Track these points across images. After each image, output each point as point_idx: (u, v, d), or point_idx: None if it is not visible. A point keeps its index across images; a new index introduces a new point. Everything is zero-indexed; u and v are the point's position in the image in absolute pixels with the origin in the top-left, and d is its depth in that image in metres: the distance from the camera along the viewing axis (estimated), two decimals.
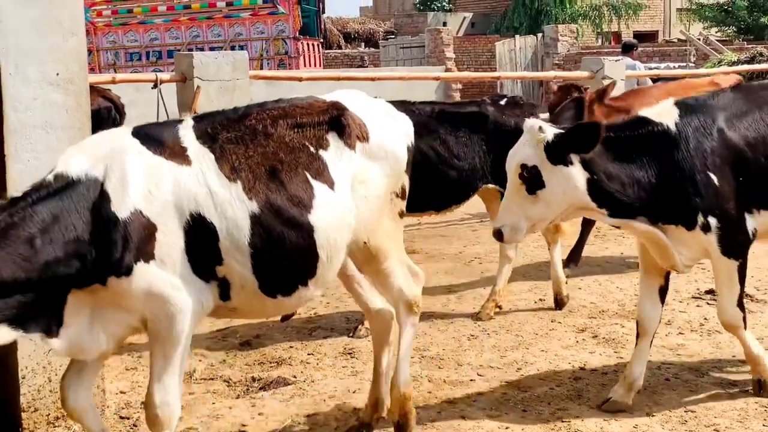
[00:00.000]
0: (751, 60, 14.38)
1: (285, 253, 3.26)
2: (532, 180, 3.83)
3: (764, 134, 4.08)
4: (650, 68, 16.03)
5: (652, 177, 3.92)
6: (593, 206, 3.91)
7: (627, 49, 12.64)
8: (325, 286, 3.53)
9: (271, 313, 3.95)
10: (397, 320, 3.88)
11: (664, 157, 3.94)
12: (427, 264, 7.24)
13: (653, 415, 4.12)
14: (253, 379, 4.67)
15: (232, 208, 3.18)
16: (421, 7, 42.78)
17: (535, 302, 6.09)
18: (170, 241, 3.10)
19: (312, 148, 3.43)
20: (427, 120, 5.60)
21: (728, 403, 4.22)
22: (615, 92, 7.31)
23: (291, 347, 5.21)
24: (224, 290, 3.25)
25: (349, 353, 5.09)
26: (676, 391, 4.43)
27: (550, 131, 3.84)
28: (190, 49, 20.15)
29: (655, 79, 13.19)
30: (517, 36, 24.28)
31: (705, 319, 5.61)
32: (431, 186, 5.45)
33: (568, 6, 30.40)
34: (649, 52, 20.79)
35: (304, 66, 21.05)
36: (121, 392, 4.50)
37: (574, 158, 3.82)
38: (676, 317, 5.65)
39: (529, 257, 7.34)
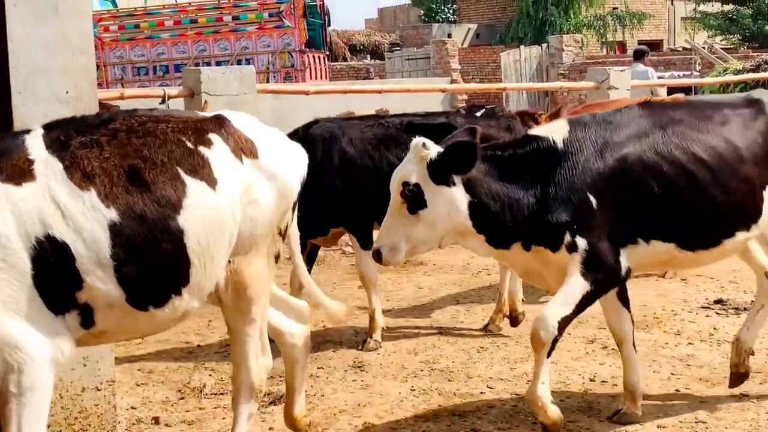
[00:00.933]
0: (757, 68, 14.37)
1: (153, 259, 2.91)
2: (414, 199, 3.67)
3: (666, 158, 3.80)
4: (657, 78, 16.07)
5: (531, 197, 3.73)
6: (472, 231, 3.74)
7: (639, 56, 12.72)
8: (202, 295, 3.14)
9: (144, 331, 3.40)
10: (233, 404, 3.49)
11: (548, 176, 3.74)
12: (435, 275, 7.26)
13: (664, 426, 4.11)
14: (264, 394, 4.66)
15: (87, 220, 2.81)
16: (426, 19, 42.97)
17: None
18: (10, 278, 2.70)
19: (189, 144, 3.08)
20: (396, 132, 5.61)
21: (739, 414, 4.21)
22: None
23: None
24: (87, 317, 2.87)
25: (359, 366, 5.09)
26: (687, 401, 4.42)
27: (434, 149, 3.68)
28: (197, 64, 20.28)
29: (671, 89, 13.26)
30: (522, 46, 24.33)
31: (714, 329, 5.60)
32: None
33: (572, 16, 30.49)
34: (654, 61, 20.77)
35: (311, 78, 21.12)
36: (132, 408, 4.51)
37: (457, 179, 3.67)
38: (685, 327, 5.64)
39: None
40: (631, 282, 6.73)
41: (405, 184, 3.68)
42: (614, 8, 32.55)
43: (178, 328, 5.97)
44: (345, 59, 32.98)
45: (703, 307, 6.11)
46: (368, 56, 34.24)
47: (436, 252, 8.34)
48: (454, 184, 3.67)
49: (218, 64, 19.62)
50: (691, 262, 4.22)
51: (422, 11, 45.11)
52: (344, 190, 5.53)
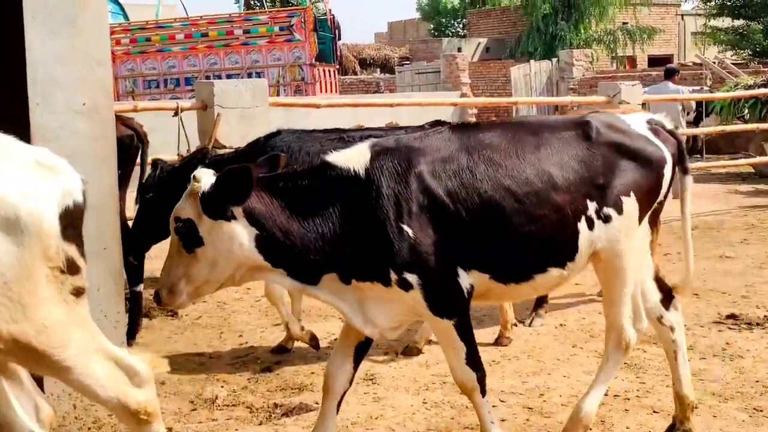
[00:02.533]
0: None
1: None
2: (188, 236, 3.35)
3: (470, 184, 3.50)
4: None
5: (338, 229, 3.43)
6: (267, 266, 3.43)
7: (669, 74, 12.90)
8: None
9: None
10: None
11: (353, 207, 3.44)
12: None
13: None
14: (276, 405, 4.67)
15: None
16: (436, 33, 43.15)
17: (556, 327, 6.08)
18: None
19: None
20: None
21: (753, 429, 4.19)
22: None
23: (312, 373, 5.22)
24: None
25: (371, 379, 5.09)
26: (700, 416, 4.39)
27: (207, 181, 3.36)
28: (208, 77, 20.39)
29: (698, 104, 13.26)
30: (532, 61, 24.41)
31: (727, 344, 5.58)
32: None
33: (582, 31, 30.54)
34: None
35: (321, 92, 21.22)
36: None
37: (238, 212, 3.35)
38: (698, 342, 5.62)
39: None
40: None
41: (176, 220, 3.37)
42: (624, 23, 32.61)
43: (189, 339, 6.02)
44: (355, 73, 33.12)
45: (715, 322, 6.09)
46: (378, 70, 34.38)
47: None
48: (234, 218, 3.34)
49: (229, 77, 19.74)
50: (501, 295, 3.84)
51: (432, 25, 45.34)
52: None
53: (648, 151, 3.77)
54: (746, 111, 16.04)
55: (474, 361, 3.60)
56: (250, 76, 20.59)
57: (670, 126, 3.97)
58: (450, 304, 3.53)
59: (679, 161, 3.95)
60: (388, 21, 66.04)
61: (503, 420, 4.39)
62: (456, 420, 4.42)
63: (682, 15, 37.62)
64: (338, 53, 25.62)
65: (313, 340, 5.63)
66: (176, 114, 7.25)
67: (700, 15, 34.21)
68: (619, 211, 3.68)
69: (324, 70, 22.03)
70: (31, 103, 3.86)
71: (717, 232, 9.77)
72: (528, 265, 3.64)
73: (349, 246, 3.43)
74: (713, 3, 31.35)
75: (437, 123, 5.80)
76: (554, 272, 3.67)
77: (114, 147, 4.09)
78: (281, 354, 5.65)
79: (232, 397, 4.83)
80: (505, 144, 3.64)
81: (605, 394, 4.69)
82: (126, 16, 24.75)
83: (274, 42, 21.39)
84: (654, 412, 4.47)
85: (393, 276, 3.43)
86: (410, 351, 5.60)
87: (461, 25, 44.10)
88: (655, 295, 4.02)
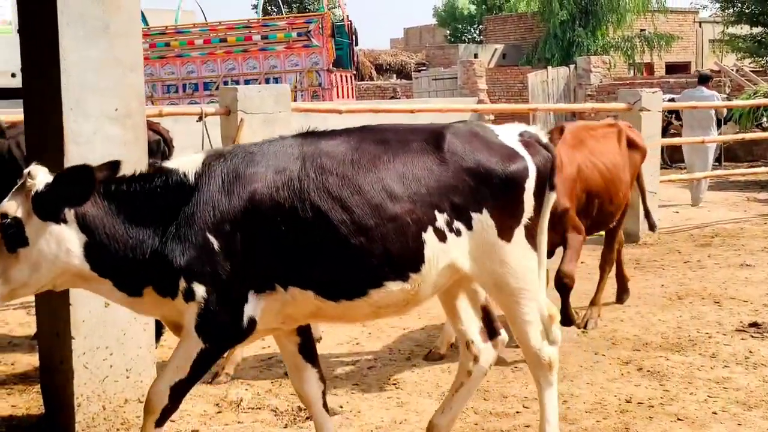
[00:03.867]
0: None
1: None
2: (12, 235, 3.12)
3: (297, 193, 3.30)
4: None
5: (157, 238, 3.26)
6: (94, 275, 3.24)
7: (703, 81, 13.07)
8: None
9: None
10: None
11: (175, 215, 3.27)
12: None
13: None
14: (300, 409, 4.70)
15: None
16: (452, 39, 43.17)
17: (577, 334, 6.09)
18: None
19: None
20: None
21: None
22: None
23: (336, 377, 5.26)
24: None
25: (394, 384, 5.12)
26: (724, 424, 4.40)
27: (43, 179, 3.15)
28: (226, 82, 20.51)
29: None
30: (549, 67, 24.37)
31: (750, 352, 5.57)
32: None
33: (600, 37, 30.49)
34: (682, 84, 20.75)
35: (337, 97, 21.29)
36: (171, 420, 4.54)
37: (70, 216, 3.16)
38: (720, 350, 5.61)
39: None
40: (666, 304, 6.81)
41: (3, 216, 3.13)
42: (642, 30, 32.51)
43: None
44: (371, 78, 33.19)
45: (737, 330, 6.08)
46: (394, 76, 34.43)
47: None
48: (65, 222, 3.16)
49: (246, 82, 19.85)
50: (339, 315, 3.52)
51: (448, 31, 45.37)
52: None
53: (507, 165, 3.55)
54: (765, 119, 15.99)
55: (178, 391, 3.34)
56: (267, 81, 20.71)
57: (544, 139, 3.78)
58: (216, 326, 3.28)
59: (548, 176, 3.73)
60: (403, 26, 66.08)
61: (527, 426, 4.41)
62: (480, 426, 4.44)
63: (700, 22, 37.47)
64: (355, 59, 25.72)
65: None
66: (200, 119, 7.31)
67: (718, 22, 34.04)
68: (468, 226, 3.48)
69: (341, 76, 22.11)
70: (65, 108, 3.91)
71: (737, 240, 9.75)
72: (360, 279, 3.36)
73: (161, 255, 3.24)
74: (731, 10, 31.21)
75: None
76: (393, 286, 3.38)
77: (146, 151, 4.14)
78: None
79: (257, 400, 4.87)
80: (344, 152, 3.43)
81: (628, 401, 4.72)
82: (145, 21, 24.89)
83: (292, 47, 21.50)
84: (678, 419, 4.47)
85: (182, 284, 3.22)
86: (432, 356, 5.62)
87: (477, 31, 44.12)
88: (475, 322, 3.87)
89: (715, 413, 4.55)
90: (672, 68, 33.85)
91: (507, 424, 4.44)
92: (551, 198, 3.75)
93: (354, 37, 24.17)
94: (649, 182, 9.58)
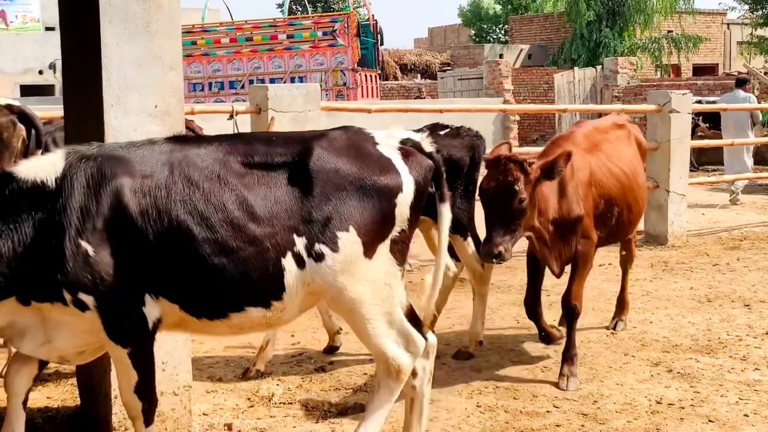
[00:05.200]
0: None
1: None
2: None
3: (163, 204, 3.19)
4: (709, 102, 15.96)
5: (19, 245, 3.12)
6: None
7: (741, 84, 13.44)
8: None
9: None
10: None
11: (38, 220, 3.15)
12: (494, 295, 7.28)
13: None
14: (331, 404, 4.75)
15: None
16: (477, 39, 43.10)
17: (606, 335, 6.08)
18: None
19: None
20: None
21: None
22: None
23: (365, 374, 5.29)
24: None
25: None
26: (756, 426, 4.40)
27: None
28: (251, 81, 20.63)
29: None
30: (575, 68, 24.28)
31: None
32: None
33: (627, 38, 30.32)
34: (710, 85, 20.61)
35: (362, 97, 21.36)
36: (204, 414, 4.62)
37: None
38: (751, 353, 5.59)
39: (597, 290, 7.32)
40: (695, 306, 6.78)
41: None
42: (669, 31, 32.32)
43: (245, 338, 6.11)
44: (396, 78, 33.23)
45: (767, 333, 6.05)
46: (419, 75, 34.45)
47: (495, 272, 8.37)
48: None
49: (272, 81, 19.97)
50: (203, 330, 3.45)
51: (473, 31, 45.31)
52: None
53: (380, 177, 3.39)
54: None
55: (143, 391, 3.37)
56: (292, 80, 20.83)
57: (429, 148, 3.63)
58: (128, 332, 3.25)
59: (436, 187, 3.59)
60: (428, 26, 66.04)
61: (558, 425, 4.43)
62: (510, 424, 4.46)
63: (728, 24, 37.18)
64: (380, 58, 25.78)
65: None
66: (231, 117, 7.39)
67: (746, 24, 33.79)
68: (334, 248, 3.31)
69: (366, 75, 22.17)
70: (106, 105, 3.97)
71: (766, 244, 9.69)
72: (221, 301, 3.28)
73: (30, 263, 3.13)
74: (760, 12, 30.97)
75: (435, 126, 5.79)
76: (254, 312, 3.31)
77: None
78: (332, 354, 5.72)
79: (288, 395, 4.92)
80: (212, 163, 3.29)
81: (658, 402, 4.72)
82: None
83: (317, 47, 21.59)
84: (709, 421, 4.47)
85: (67, 296, 3.14)
86: (462, 355, 5.64)
87: (503, 32, 44.02)
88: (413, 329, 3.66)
89: (746, 415, 4.54)
90: (699, 70, 33.63)
91: (537, 423, 4.45)
92: (446, 211, 3.60)
93: (379, 36, 24.22)
94: (678, 184, 9.56)
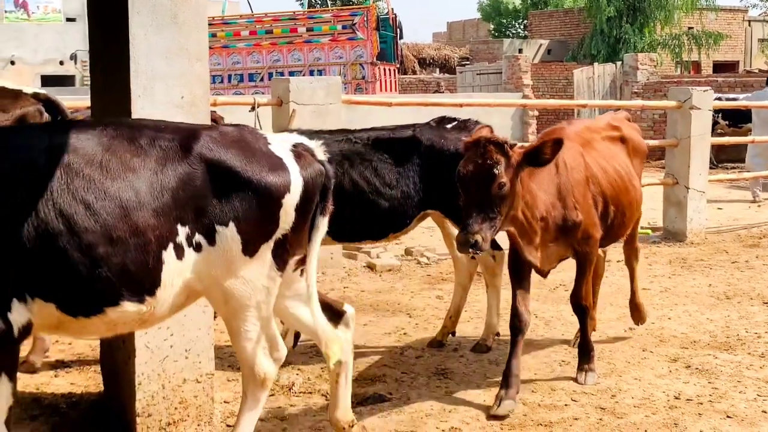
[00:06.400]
0: None
1: None
2: None
3: (36, 193, 2.98)
4: (729, 99, 15.88)
5: None
6: None
7: None
8: None
9: None
10: None
11: None
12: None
13: None
14: (351, 395, 4.78)
15: None
16: (496, 34, 42.98)
17: (624, 331, 6.09)
18: None
19: None
20: (362, 148, 5.51)
21: None
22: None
23: (384, 365, 5.34)
24: None
25: (442, 374, 5.18)
26: None
27: None
28: (270, 74, 20.71)
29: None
30: (595, 64, 24.19)
31: None
32: (364, 215, 5.43)
33: (647, 34, 30.16)
34: (730, 83, 20.49)
35: (381, 91, 21.39)
36: (225, 402, 4.68)
37: None
38: None
39: (615, 286, 7.33)
40: (714, 303, 6.78)
41: None
42: (690, 28, 32.12)
43: None
44: (414, 72, 33.23)
45: None
46: (437, 70, 34.44)
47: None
48: None
49: (291, 74, 20.02)
50: (80, 330, 3.29)
51: (492, 26, 45.18)
52: None
53: (266, 176, 3.31)
54: None
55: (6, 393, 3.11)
56: (311, 73, 20.88)
57: (322, 155, 3.56)
58: None
59: (321, 197, 3.50)
60: (447, 21, 65.90)
61: (576, 418, 4.45)
62: (528, 417, 4.49)
63: (750, 21, 36.90)
64: (399, 52, 25.77)
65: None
66: (253, 109, 7.44)
67: (767, 21, 33.53)
68: (211, 241, 3.24)
69: (384, 69, 22.18)
70: (133, 95, 4.02)
71: None
72: (98, 295, 3.11)
73: None
74: None
75: (442, 119, 5.78)
76: (129, 307, 3.16)
77: None
78: (438, 348, 5.72)
79: (308, 385, 4.97)
80: (93, 151, 3.12)
81: (677, 398, 4.73)
82: None
83: (337, 40, 21.63)
84: (728, 416, 4.48)
85: None
86: (480, 348, 5.67)
87: (522, 27, 43.87)
88: (318, 316, 3.66)
89: (765, 412, 4.55)
90: (719, 67, 33.39)
91: (556, 416, 4.48)
92: (322, 223, 3.52)
93: (398, 30, 24.22)
94: (698, 181, 9.54)
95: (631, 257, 6.04)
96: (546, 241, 4.72)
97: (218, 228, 3.24)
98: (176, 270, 3.21)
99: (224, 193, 3.23)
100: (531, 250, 4.68)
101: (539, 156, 4.35)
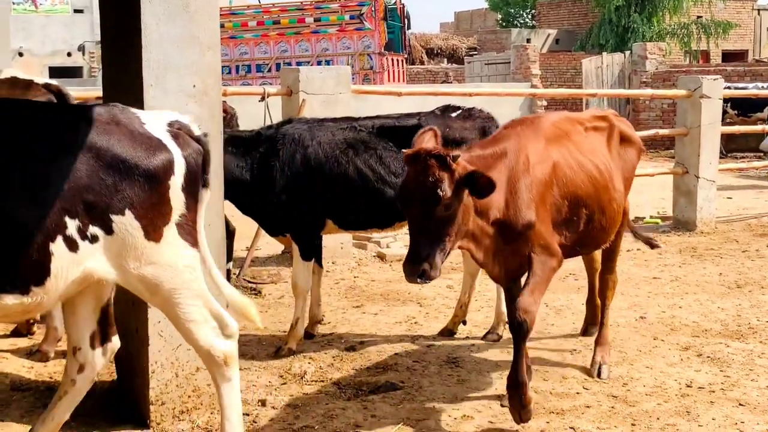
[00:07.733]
0: None
1: None
2: None
3: None
4: (738, 88, 15.82)
5: None
6: None
7: None
8: None
9: None
10: None
11: None
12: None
13: None
14: (362, 383, 4.81)
15: None
16: (504, 24, 42.83)
17: (636, 320, 6.09)
18: None
19: None
20: (366, 136, 5.51)
21: None
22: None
23: (396, 354, 5.35)
24: None
25: (453, 362, 5.19)
26: None
27: None
28: (278, 64, 20.70)
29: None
30: (604, 53, 24.11)
31: None
32: (370, 203, 5.43)
33: (655, 24, 30.03)
34: (740, 72, 20.40)
35: (388, 81, 21.36)
36: None
37: None
38: None
39: (626, 275, 7.32)
40: (724, 292, 6.76)
41: None
42: (699, 17, 31.96)
43: (274, 317, 6.19)
44: (422, 62, 33.16)
45: None
46: (445, 60, 34.35)
47: None
48: None
49: (299, 64, 20.01)
50: None
51: (500, 16, 45.02)
52: (296, 198, 5.38)
53: (150, 159, 3.26)
54: None
55: None
56: (319, 63, 20.86)
57: (197, 131, 3.51)
58: None
59: (201, 172, 3.48)
60: (454, 10, 65.71)
61: (588, 406, 4.46)
62: (540, 405, 4.49)
63: (759, 10, 36.70)
64: (407, 42, 25.72)
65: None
66: (263, 99, 7.45)
67: None
68: (108, 231, 3.19)
69: (392, 59, 22.16)
70: (145, 84, 4.04)
71: None
72: None
73: None
74: None
75: (447, 108, 5.77)
76: (10, 299, 3.10)
77: (221, 128, 4.26)
78: (449, 336, 5.73)
79: (320, 374, 4.98)
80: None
81: (689, 386, 4.73)
82: None
83: (344, 30, 21.61)
84: (740, 404, 4.48)
85: None
86: (490, 337, 5.68)
87: (530, 16, 43.71)
88: (88, 325, 3.57)
89: None
90: (728, 56, 33.23)
91: (567, 404, 4.49)
92: (205, 196, 3.51)
93: (406, 20, 24.16)
94: (708, 170, 9.51)
95: (605, 287, 5.18)
96: (499, 245, 4.14)
97: (114, 218, 3.20)
98: (70, 261, 3.14)
99: (113, 181, 3.17)
100: (487, 258, 4.16)
101: (475, 186, 3.75)
